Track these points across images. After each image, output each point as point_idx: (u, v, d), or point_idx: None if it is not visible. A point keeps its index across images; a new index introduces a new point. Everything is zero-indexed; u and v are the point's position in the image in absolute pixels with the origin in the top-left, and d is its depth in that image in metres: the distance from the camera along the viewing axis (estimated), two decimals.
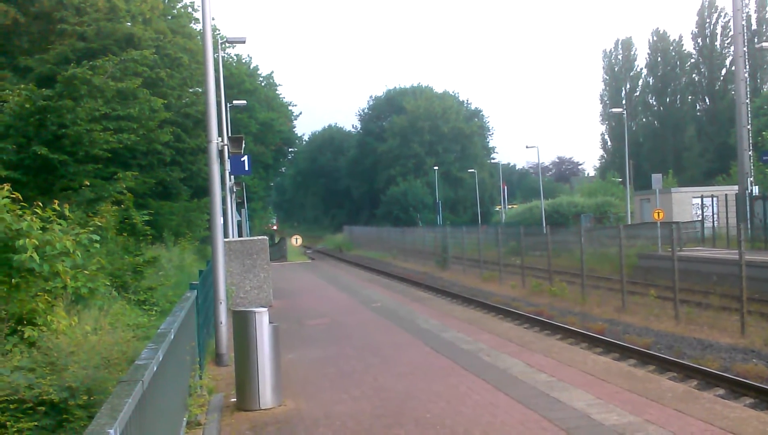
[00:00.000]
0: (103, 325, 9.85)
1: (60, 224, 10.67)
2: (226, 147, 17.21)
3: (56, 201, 11.55)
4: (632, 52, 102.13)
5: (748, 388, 12.75)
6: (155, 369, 5.41)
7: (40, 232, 10.08)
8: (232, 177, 30.21)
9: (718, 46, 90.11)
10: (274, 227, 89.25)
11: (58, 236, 10.15)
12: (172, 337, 6.88)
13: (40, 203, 10.97)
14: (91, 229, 11.95)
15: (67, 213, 11.44)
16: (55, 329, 9.15)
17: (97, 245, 11.89)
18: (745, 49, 35.48)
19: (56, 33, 29.99)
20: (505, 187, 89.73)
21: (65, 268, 10.14)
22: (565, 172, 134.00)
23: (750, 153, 34.79)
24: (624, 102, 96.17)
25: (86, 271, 11.15)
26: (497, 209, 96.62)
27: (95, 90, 23.44)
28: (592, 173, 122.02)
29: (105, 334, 9.14)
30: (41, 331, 9.10)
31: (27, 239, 9.55)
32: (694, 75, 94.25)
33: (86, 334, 9.06)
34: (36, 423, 6.90)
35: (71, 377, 7.44)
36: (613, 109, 73.68)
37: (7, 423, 6.71)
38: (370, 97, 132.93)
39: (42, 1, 29.75)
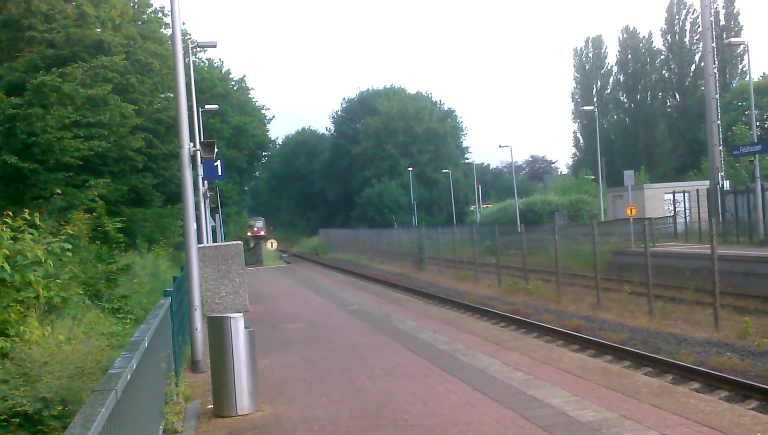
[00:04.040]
0: (77, 335, 9.78)
1: (31, 233, 10.59)
2: (198, 152, 17.15)
3: (27, 210, 11.45)
4: (603, 50, 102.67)
5: (723, 381, 12.88)
6: (129, 377, 5.38)
7: (11, 241, 10.00)
8: (206, 182, 30.03)
9: (687, 43, 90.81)
10: (261, 232, 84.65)
11: (29, 246, 10.08)
12: (147, 344, 6.84)
13: (11, 213, 10.88)
14: (63, 237, 11.87)
15: (38, 222, 11.33)
16: (28, 340, 9.06)
17: (70, 254, 11.81)
18: (713, 44, 35.85)
19: (25, 40, 29.70)
20: (480, 187, 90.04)
21: (37, 278, 10.06)
22: (538, 170, 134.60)
23: (720, 148, 35.15)
24: (595, 99, 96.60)
25: (59, 281, 11.06)
26: (472, 209, 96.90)
27: (65, 97, 23.26)
28: (565, 171, 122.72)
29: (79, 344, 9.07)
30: (14, 341, 9.01)
31: None
32: (664, 71, 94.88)
33: (60, 344, 8.98)
34: None
35: (45, 388, 7.38)
36: (585, 107, 74.27)
37: None
38: (343, 99, 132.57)
39: (10, 8, 29.45)
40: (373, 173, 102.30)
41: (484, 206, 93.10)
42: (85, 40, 30.40)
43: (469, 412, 9.72)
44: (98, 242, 18.81)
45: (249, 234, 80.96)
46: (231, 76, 63.82)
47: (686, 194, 44.18)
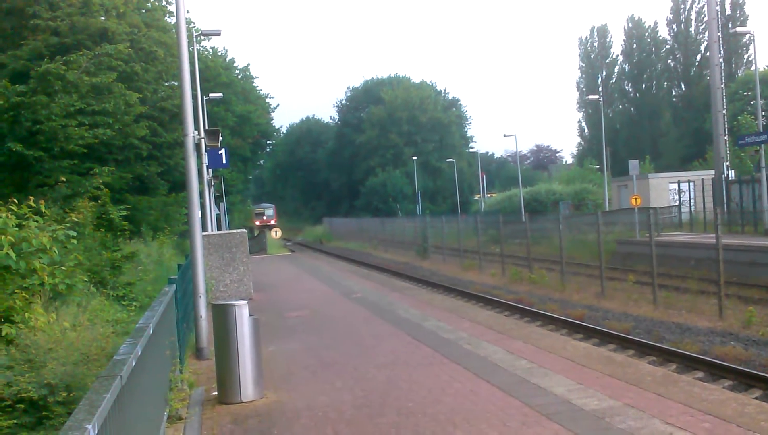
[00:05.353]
0: (82, 322, 9.80)
1: (36, 221, 10.62)
2: (202, 140, 17.16)
3: (32, 197, 11.50)
4: (608, 39, 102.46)
5: (727, 370, 12.86)
6: (134, 364, 5.39)
7: (16, 229, 10.03)
8: (210, 170, 30.07)
9: (693, 32, 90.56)
10: (272, 221, 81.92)
11: (34, 233, 10.10)
12: (151, 331, 6.85)
13: (16, 200, 10.90)
14: (67, 225, 11.91)
15: (43, 209, 11.37)
16: (33, 326, 9.10)
17: (74, 241, 11.85)
18: (719, 34, 35.78)
19: (29, 28, 29.69)
20: (484, 176, 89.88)
21: (42, 265, 10.09)
22: (543, 160, 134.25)
23: (726, 138, 35.07)
24: (600, 89, 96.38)
25: (64, 268, 11.09)
26: (476, 198, 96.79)
27: (69, 85, 23.27)
28: (569, 161, 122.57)
29: (84, 331, 9.10)
30: (19, 328, 9.04)
31: (3, 236, 9.49)
32: (669, 61, 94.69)
33: (65, 331, 9.01)
34: (15, 421, 6.87)
35: (50, 374, 7.41)
36: (590, 97, 74.07)
37: None
38: (348, 88, 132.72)
39: None
40: (377, 162, 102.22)
41: (489, 195, 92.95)
42: (90, 28, 30.38)
43: (472, 400, 9.74)
44: (103, 230, 18.88)
45: (258, 223, 78.90)
46: (235, 64, 63.72)
47: (691, 184, 44.08)
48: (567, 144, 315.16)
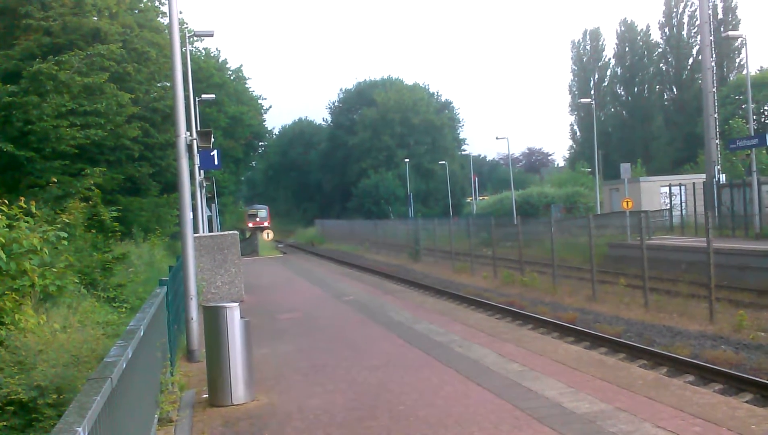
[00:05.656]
0: (72, 323, 9.77)
1: (27, 222, 10.59)
2: (194, 141, 17.13)
3: (23, 198, 11.47)
4: (600, 43, 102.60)
5: (717, 374, 12.88)
6: (124, 366, 5.37)
7: (7, 229, 10.00)
8: (202, 172, 30.01)
9: (685, 36, 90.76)
10: (265, 223, 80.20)
11: (25, 234, 10.07)
12: (142, 333, 6.82)
13: (6, 201, 10.87)
14: (58, 226, 11.87)
15: (33, 210, 11.34)
16: (23, 328, 9.06)
17: (65, 242, 11.82)
18: (711, 38, 35.86)
19: (21, 28, 29.55)
20: (476, 179, 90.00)
21: (33, 266, 10.05)
22: (535, 162, 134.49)
23: (717, 141, 35.14)
24: (592, 92, 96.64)
25: (54, 269, 11.06)
26: (468, 201, 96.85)
27: (61, 85, 23.20)
28: (561, 164, 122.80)
29: (74, 332, 9.07)
30: (9, 329, 9.00)
31: None
32: (661, 65, 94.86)
33: (55, 333, 8.98)
34: (5, 423, 6.84)
35: (40, 376, 7.38)
36: (582, 100, 74.09)
37: None
38: (341, 89, 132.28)
39: None
40: (369, 164, 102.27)
41: (481, 198, 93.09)
42: (82, 29, 30.28)
43: (464, 403, 9.73)
44: (94, 231, 18.82)
45: (251, 225, 77.56)
46: (228, 65, 63.69)
47: (682, 187, 44.13)
48: (559, 147, 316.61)
